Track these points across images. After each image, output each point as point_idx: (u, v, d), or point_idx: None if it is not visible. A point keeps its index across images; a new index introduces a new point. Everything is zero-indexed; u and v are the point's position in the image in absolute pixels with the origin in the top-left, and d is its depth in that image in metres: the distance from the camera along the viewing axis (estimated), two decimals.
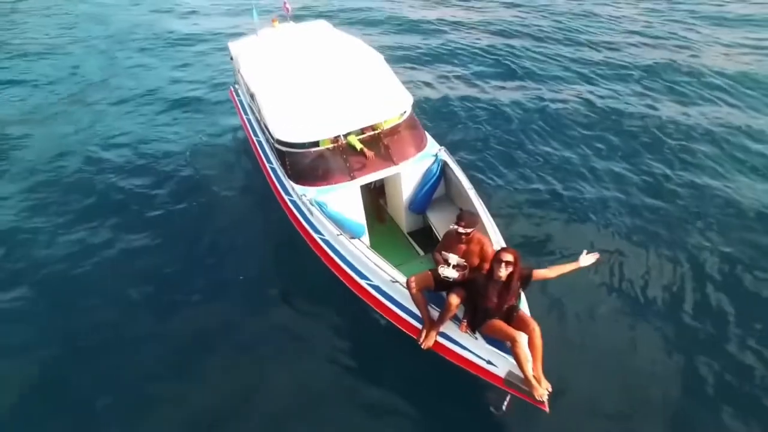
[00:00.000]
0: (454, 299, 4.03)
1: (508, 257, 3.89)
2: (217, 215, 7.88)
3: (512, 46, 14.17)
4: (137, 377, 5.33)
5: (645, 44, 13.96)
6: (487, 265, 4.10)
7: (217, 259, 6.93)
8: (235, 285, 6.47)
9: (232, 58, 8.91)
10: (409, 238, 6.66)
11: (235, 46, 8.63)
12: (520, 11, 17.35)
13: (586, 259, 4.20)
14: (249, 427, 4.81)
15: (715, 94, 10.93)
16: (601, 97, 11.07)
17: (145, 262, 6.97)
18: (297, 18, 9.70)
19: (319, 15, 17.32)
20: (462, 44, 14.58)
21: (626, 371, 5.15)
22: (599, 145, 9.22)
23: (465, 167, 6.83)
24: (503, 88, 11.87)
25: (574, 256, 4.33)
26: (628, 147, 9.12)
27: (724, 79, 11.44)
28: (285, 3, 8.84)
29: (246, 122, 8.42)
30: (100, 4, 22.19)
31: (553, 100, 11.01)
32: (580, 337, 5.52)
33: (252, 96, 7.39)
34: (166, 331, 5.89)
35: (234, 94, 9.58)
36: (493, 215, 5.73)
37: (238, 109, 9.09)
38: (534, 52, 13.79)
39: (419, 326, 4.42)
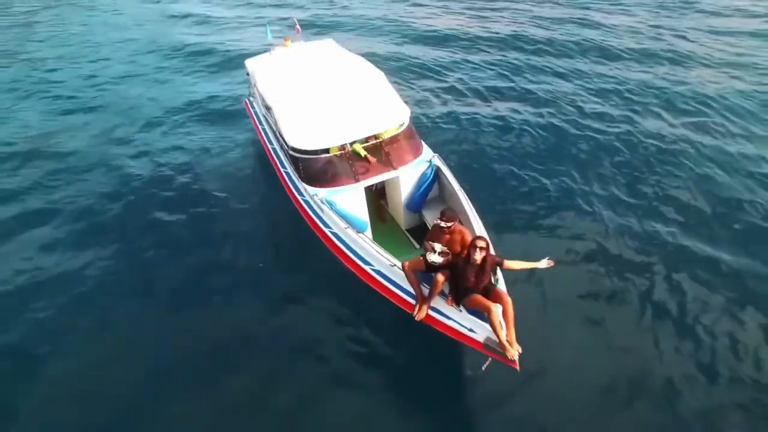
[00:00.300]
0: (440, 277, 4.94)
1: (481, 244, 4.81)
2: (233, 216, 8.71)
3: (511, 58, 15.12)
4: (159, 372, 5.99)
5: (637, 55, 14.85)
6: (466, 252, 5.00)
7: (233, 255, 7.78)
8: (251, 276, 7.34)
9: (248, 74, 9.87)
10: (407, 234, 7.55)
11: (251, 63, 9.58)
12: (519, 24, 18.29)
13: (544, 263, 5.08)
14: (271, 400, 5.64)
15: (700, 102, 11.81)
16: (591, 107, 11.94)
17: (167, 259, 7.82)
18: (308, 26, 10.56)
19: (330, 22, 18.49)
20: (462, 55, 15.55)
21: (602, 349, 6.02)
22: (585, 149, 10.11)
23: (457, 171, 7.71)
24: (500, 97, 12.77)
25: (548, 250, 5.31)
26: (611, 151, 10.00)
27: (709, 90, 12.31)
28: (296, 25, 9.80)
29: (261, 131, 9.35)
30: (115, 12, 23.38)
31: (545, 109, 11.91)
32: (560, 318, 6.38)
33: (268, 108, 8.33)
34: (187, 326, 6.62)
35: (249, 105, 10.54)
36: (482, 213, 6.61)
37: (253, 119, 10.04)
38: (531, 63, 14.72)
39: (413, 302, 5.31)
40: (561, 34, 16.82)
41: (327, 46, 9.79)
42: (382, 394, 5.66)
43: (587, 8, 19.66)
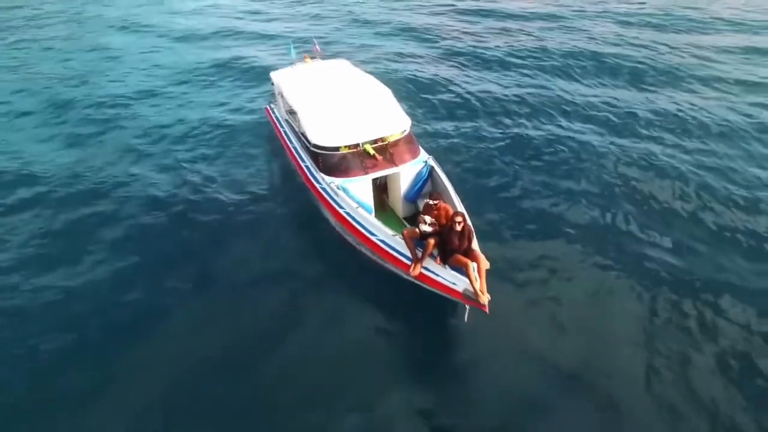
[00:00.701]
0: (431, 240, 6.51)
1: (459, 218, 6.45)
2: (254, 206, 10.17)
3: (514, 73, 16.97)
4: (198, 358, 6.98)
5: (631, 66, 16.91)
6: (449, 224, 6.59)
7: (260, 247, 9.10)
8: (277, 262, 8.70)
9: (272, 84, 11.49)
10: (404, 222, 9.08)
11: (276, 75, 11.22)
12: (523, 41, 20.21)
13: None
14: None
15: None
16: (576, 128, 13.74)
17: (206, 252, 9.07)
18: (325, 44, 12.11)
19: (345, 41, 20.23)
20: (465, 69, 17.37)
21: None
22: (562, 154, 11.83)
23: (449, 171, 9.29)
24: (498, 107, 14.45)
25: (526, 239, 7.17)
26: (588, 155, 11.71)
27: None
28: (315, 45, 11.50)
29: (282, 133, 10.92)
30: (141, 31, 24.95)
31: (537, 118, 13.62)
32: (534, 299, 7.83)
33: (292, 112, 9.92)
34: (226, 310, 7.81)
35: (270, 111, 12.12)
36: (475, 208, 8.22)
37: (274, 122, 11.61)
38: (527, 74, 16.60)
39: (409, 263, 6.83)
40: (558, 47, 18.79)
41: (342, 64, 11.49)
42: (392, 343, 7.10)
43: (588, 22, 21.82)
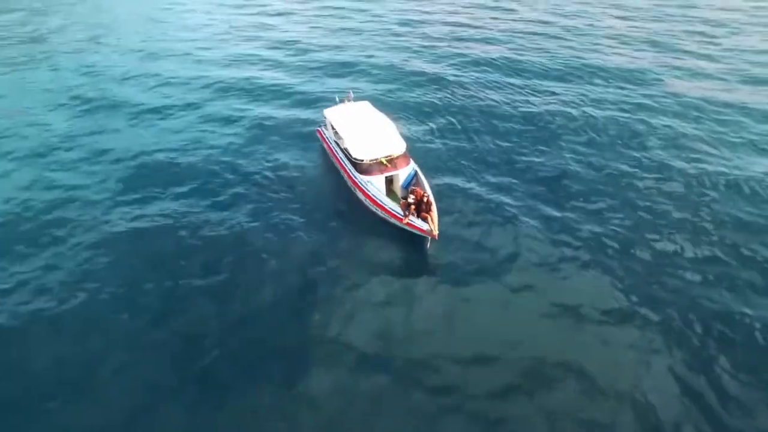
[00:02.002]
0: (413, 207, 14.30)
1: (426, 197, 14.22)
2: (313, 193, 17.89)
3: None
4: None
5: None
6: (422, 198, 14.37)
7: (311, 211, 16.91)
8: (320, 216, 16.51)
9: (324, 116, 19.16)
10: (399, 199, 16.79)
11: (328, 111, 18.93)
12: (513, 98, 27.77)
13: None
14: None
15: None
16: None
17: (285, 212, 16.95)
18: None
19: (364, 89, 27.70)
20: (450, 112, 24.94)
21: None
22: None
23: (427, 173, 16.99)
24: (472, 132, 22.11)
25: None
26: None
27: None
28: (351, 94, 19.22)
29: (331, 147, 18.59)
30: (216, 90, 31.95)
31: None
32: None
33: (338, 135, 17.62)
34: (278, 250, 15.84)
35: (321, 132, 19.85)
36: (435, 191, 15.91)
37: (325, 140, 19.33)
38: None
39: (402, 217, 14.54)
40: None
41: (366, 105, 19.22)
42: (389, 258, 14.75)
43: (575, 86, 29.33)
